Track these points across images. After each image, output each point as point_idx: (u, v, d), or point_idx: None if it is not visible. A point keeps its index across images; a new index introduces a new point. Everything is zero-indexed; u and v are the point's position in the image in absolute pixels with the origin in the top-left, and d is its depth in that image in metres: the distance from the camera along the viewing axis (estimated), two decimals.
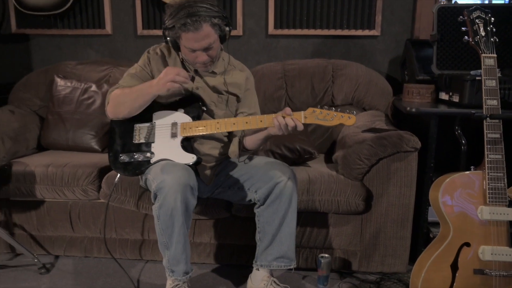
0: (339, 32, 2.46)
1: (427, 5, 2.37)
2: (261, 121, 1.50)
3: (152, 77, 1.63)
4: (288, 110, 1.46)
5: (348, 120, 1.46)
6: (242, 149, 1.65)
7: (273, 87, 2.29)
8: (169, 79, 1.47)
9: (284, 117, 1.44)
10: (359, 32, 2.45)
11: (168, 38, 1.54)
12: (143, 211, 1.79)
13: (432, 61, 2.08)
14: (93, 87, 2.27)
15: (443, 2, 2.18)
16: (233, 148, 1.67)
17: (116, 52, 2.65)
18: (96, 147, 2.19)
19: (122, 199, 1.77)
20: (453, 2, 2.10)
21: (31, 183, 1.84)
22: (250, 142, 1.63)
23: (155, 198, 1.47)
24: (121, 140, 1.62)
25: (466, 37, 1.33)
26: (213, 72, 1.66)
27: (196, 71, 1.65)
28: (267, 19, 2.50)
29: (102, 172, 1.87)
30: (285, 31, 2.50)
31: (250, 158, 1.71)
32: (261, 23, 2.52)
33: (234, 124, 1.54)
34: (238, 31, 2.51)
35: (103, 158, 1.98)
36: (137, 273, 1.84)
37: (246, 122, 1.53)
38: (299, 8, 2.46)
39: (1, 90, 2.58)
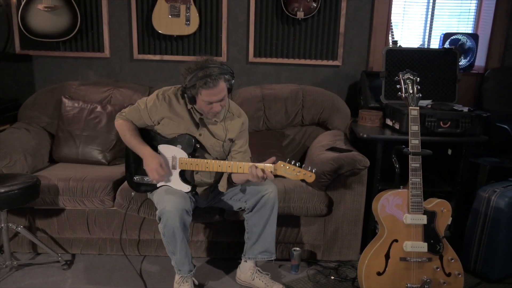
0: (308, 61, 2.94)
1: (380, 42, 2.90)
2: (240, 167, 1.84)
3: (151, 120, 1.94)
4: (272, 159, 1.81)
5: (309, 178, 1.78)
6: (231, 182, 2.00)
7: (253, 109, 2.73)
8: (152, 169, 1.86)
9: (256, 168, 1.78)
10: (325, 62, 2.94)
11: (186, 94, 1.80)
12: (151, 218, 2.20)
13: (381, 93, 2.61)
14: (99, 108, 2.62)
15: (391, 45, 2.70)
16: (223, 183, 2.02)
17: (113, 73, 2.99)
18: (103, 160, 2.55)
19: (134, 208, 2.17)
20: (398, 46, 2.63)
21: (55, 195, 2.20)
22: (237, 179, 1.97)
23: (159, 220, 1.86)
24: (134, 164, 2.02)
25: (399, 92, 1.84)
26: (215, 121, 1.94)
27: (201, 120, 1.93)
28: (247, 49, 2.93)
29: (116, 184, 2.25)
30: (263, 59, 2.95)
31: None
32: (243, 51, 2.95)
33: (219, 166, 1.88)
34: (223, 58, 2.93)
35: (113, 172, 2.38)
36: (146, 266, 2.26)
37: (229, 166, 1.87)
38: (275, 40, 2.91)
39: (8, 106, 2.86)
